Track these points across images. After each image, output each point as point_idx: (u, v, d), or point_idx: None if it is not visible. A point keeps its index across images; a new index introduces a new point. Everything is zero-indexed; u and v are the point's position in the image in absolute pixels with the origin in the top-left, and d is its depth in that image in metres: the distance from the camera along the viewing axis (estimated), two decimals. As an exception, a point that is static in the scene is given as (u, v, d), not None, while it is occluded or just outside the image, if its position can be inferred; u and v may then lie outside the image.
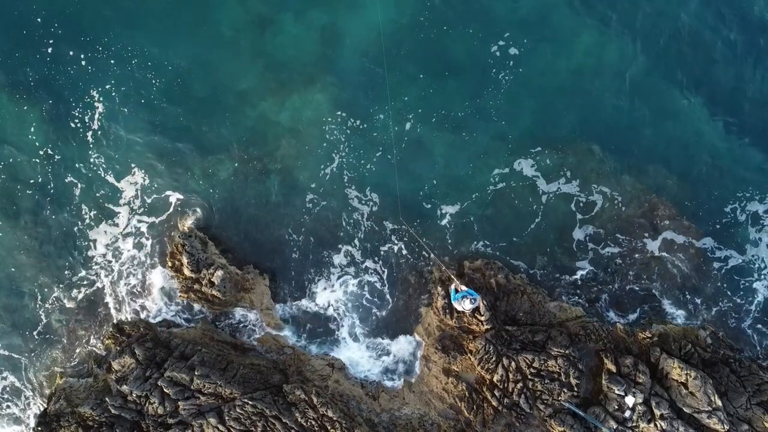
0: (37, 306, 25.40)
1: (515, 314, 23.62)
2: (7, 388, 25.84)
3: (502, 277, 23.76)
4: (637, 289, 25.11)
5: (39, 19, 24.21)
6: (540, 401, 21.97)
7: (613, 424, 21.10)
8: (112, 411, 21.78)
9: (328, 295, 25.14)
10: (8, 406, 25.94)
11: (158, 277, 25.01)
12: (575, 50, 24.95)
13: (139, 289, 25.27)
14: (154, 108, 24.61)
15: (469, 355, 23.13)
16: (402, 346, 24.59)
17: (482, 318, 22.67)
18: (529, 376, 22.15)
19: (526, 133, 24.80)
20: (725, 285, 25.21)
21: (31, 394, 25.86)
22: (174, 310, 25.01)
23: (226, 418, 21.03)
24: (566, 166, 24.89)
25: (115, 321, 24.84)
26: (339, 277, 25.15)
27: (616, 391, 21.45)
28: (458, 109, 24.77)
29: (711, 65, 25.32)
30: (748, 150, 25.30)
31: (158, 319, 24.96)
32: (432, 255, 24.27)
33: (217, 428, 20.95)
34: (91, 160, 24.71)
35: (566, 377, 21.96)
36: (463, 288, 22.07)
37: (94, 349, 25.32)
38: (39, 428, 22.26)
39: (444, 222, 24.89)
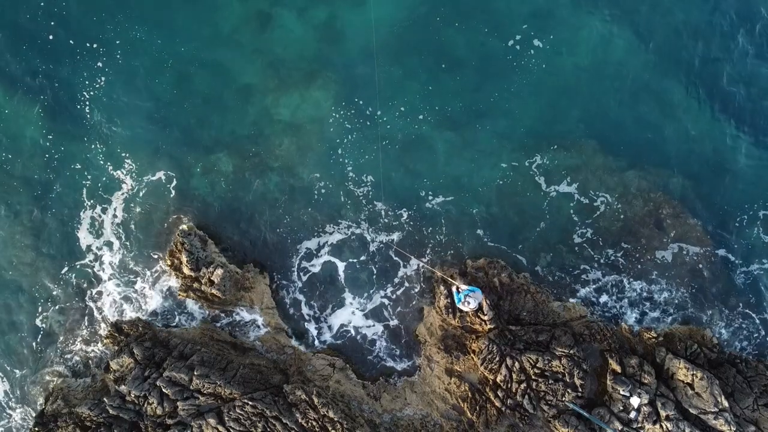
0: (35, 304, 25.17)
1: (519, 314, 23.35)
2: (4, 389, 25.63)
3: (506, 276, 23.49)
4: (641, 288, 24.82)
5: (42, 2, 24.01)
6: (544, 402, 21.72)
7: (618, 425, 20.86)
8: (110, 411, 21.55)
9: (331, 292, 24.96)
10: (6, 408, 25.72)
11: (157, 275, 24.79)
12: (581, 48, 24.69)
13: (138, 287, 25.01)
14: (155, 105, 24.38)
15: (472, 355, 22.87)
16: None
17: (485, 317, 22.42)
18: (533, 377, 21.89)
19: (531, 131, 24.55)
20: (734, 285, 24.94)
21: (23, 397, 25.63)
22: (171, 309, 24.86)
23: (226, 418, 20.78)
24: (571, 165, 24.62)
25: (113, 320, 24.57)
26: (341, 274, 24.95)
27: (621, 392, 21.21)
28: (462, 107, 24.52)
29: (720, 65, 25.03)
30: (760, 151, 25.00)
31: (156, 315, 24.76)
32: (423, 264, 24.05)
33: (217, 429, 20.70)
34: (90, 156, 24.48)
35: (570, 378, 21.71)
36: (464, 287, 21.81)
37: (92, 348, 25.06)
38: (36, 429, 22.01)
39: (447, 220, 24.62)
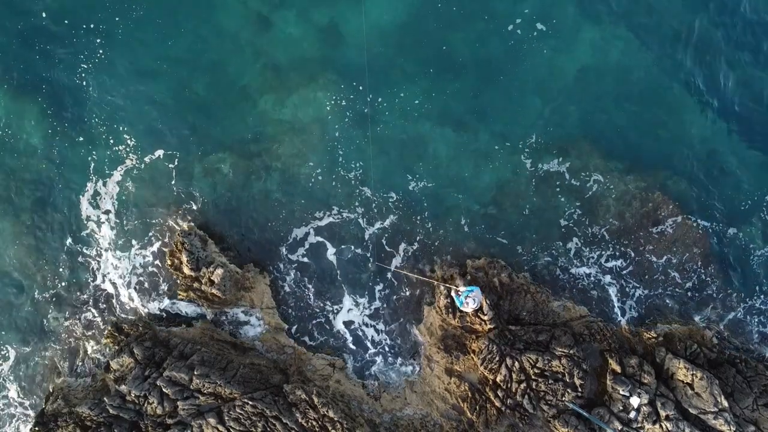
0: (34, 302, 25.26)
1: (519, 314, 23.37)
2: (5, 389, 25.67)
3: (506, 276, 23.51)
4: (641, 287, 24.87)
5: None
6: (544, 402, 21.72)
7: (618, 425, 20.85)
8: (111, 411, 21.54)
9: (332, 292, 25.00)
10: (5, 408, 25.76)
11: (158, 274, 24.85)
12: (580, 48, 24.74)
13: (139, 284, 25.05)
14: (155, 105, 24.44)
15: (471, 355, 22.89)
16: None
17: (485, 317, 22.44)
18: (533, 377, 21.90)
19: (529, 131, 24.61)
20: (735, 282, 25.08)
21: (26, 395, 25.67)
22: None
23: (226, 418, 20.78)
24: (570, 165, 24.70)
25: (113, 319, 24.63)
26: (339, 273, 25.00)
27: (621, 392, 21.21)
28: (461, 107, 24.59)
29: (718, 64, 25.13)
30: (755, 149, 25.10)
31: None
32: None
33: (217, 428, 20.69)
34: (89, 156, 24.57)
35: (570, 377, 21.72)
36: (462, 289, 21.93)
37: (92, 347, 25.09)
38: (36, 428, 22.01)
39: (447, 220, 24.68)
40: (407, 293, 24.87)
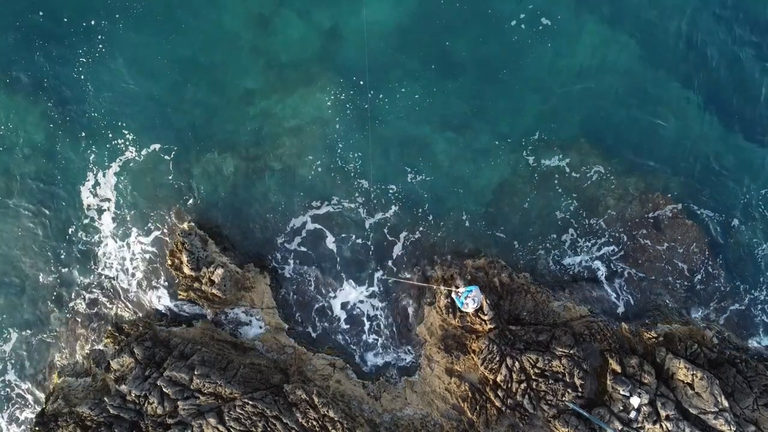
0: (34, 302, 25.28)
1: (519, 314, 23.33)
2: (6, 387, 25.70)
3: (506, 276, 23.47)
4: (641, 286, 24.87)
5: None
6: (544, 402, 21.72)
7: (618, 425, 20.85)
8: (111, 411, 21.55)
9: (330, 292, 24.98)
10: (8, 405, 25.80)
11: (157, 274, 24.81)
12: (579, 49, 24.63)
13: (138, 269, 25.09)
14: (155, 101, 24.33)
15: (472, 354, 22.87)
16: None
17: (486, 317, 22.40)
18: (533, 377, 21.88)
19: (528, 131, 24.57)
20: (735, 279, 25.23)
21: (29, 391, 25.71)
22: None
23: (226, 418, 20.78)
24: (569, 165, 24.64)
25: (114, 319, 24.62)
26: (343, 275, 24.97)
27: (621, 392, 21.20)
28: (461, 108, 24.49)
29: (718, 61, 25.03)
30: (751, 146, 25.09)
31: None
32: (419, 283, 24.33)
33: (217, 428, 20.70)
34: (90, 155, 24.52)
35: (570, 377, 21.70)
36: (462, 289, 21.92)
37: (93, 347, 25.11)
38: (37, 428, 22.02)
39: (447, 220, 24.65)
40: (404, 292, 24.95)
